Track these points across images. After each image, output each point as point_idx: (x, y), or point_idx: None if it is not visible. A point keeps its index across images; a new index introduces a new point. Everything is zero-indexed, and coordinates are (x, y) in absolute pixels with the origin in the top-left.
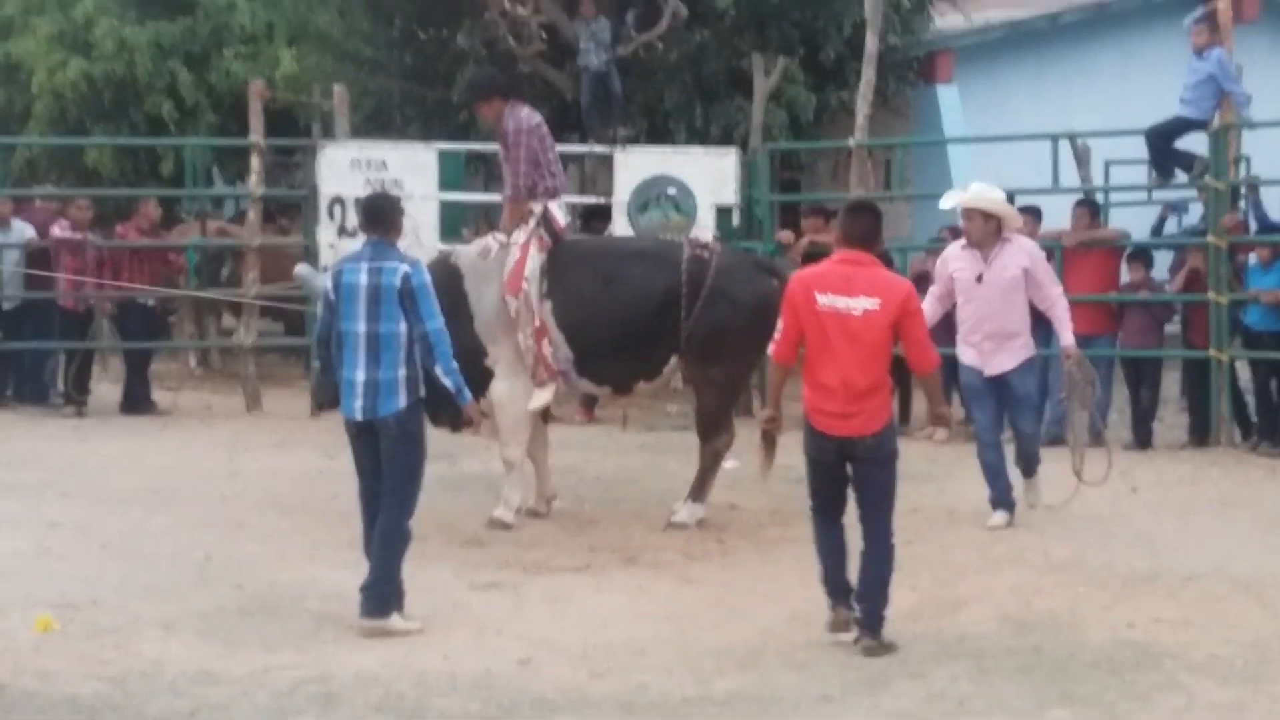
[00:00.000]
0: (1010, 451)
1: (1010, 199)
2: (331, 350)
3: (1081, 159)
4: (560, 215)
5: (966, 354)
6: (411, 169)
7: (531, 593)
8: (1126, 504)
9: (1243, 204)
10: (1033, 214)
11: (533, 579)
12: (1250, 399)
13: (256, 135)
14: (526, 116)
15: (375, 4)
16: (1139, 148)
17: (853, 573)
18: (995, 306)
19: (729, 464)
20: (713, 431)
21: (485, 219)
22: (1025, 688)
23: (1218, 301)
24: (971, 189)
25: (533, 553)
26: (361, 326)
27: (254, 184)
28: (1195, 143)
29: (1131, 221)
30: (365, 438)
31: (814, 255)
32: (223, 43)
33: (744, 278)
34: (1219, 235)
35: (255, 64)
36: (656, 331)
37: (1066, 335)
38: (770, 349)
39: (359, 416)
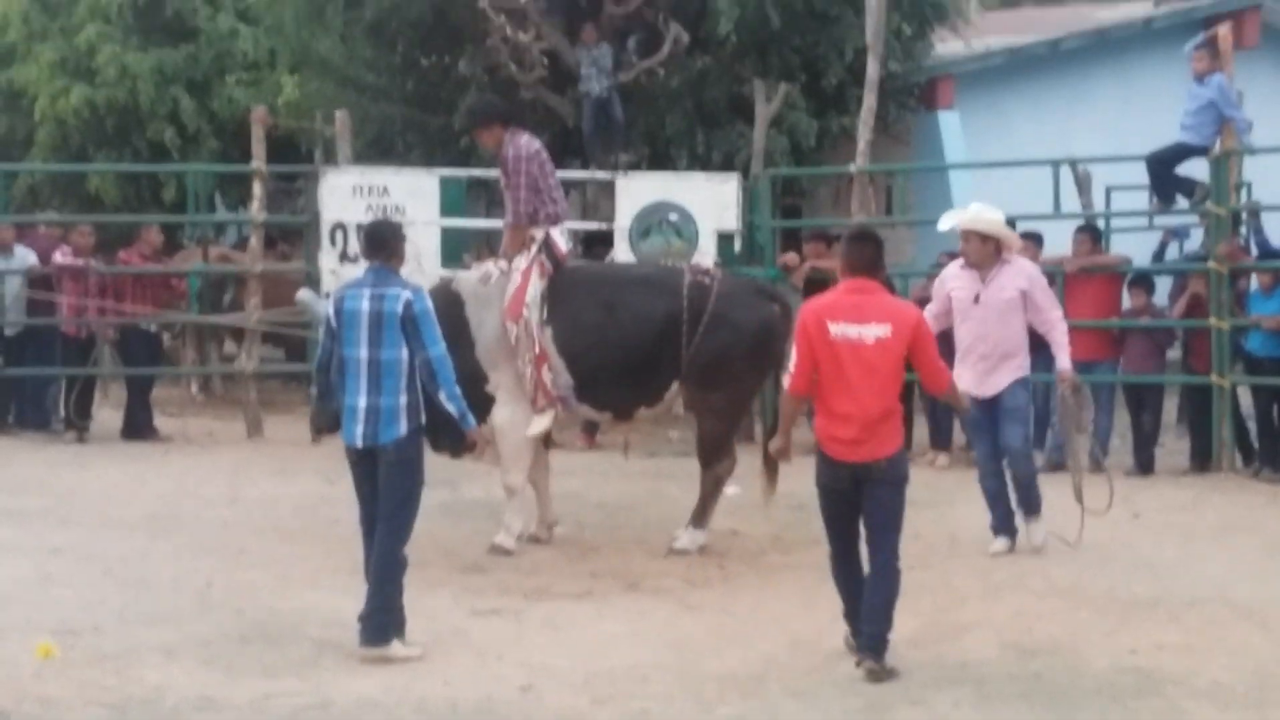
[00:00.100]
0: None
1: (1011, 224)
2: (331, 376)
3: (1082, 185)
4: (562, 241)
5: (963, 378)
6: (413, 195)
7: (533, 619)
8: (1128, 529)
9: (1244, 230)
10: (1034, 240)
11: (534, 605)
12: (1252, 424)
13: (259, 161)
14: (526, 143)
15: (377, 31)
16: (1140, 173)
17: None
18: (990, 327)
19: (730, 490)
20: (714, 457)
21: (487, 245)
22: (1027, 714)
23: (1219, 327)
24: (970, 210)
25: (534, 579)
26: (363, 352)
27: (256, 210)
28: (1196, 169)
29: (1133, 247)
30: (366, 464)
31: (816, 281)
32: (225, 69)
33: (745, 303)
34: (1219, 262)
35: (257, 91)
36: (657, 357)
37: (1063, 359)
38: (785, 382)
39: (360, 443)
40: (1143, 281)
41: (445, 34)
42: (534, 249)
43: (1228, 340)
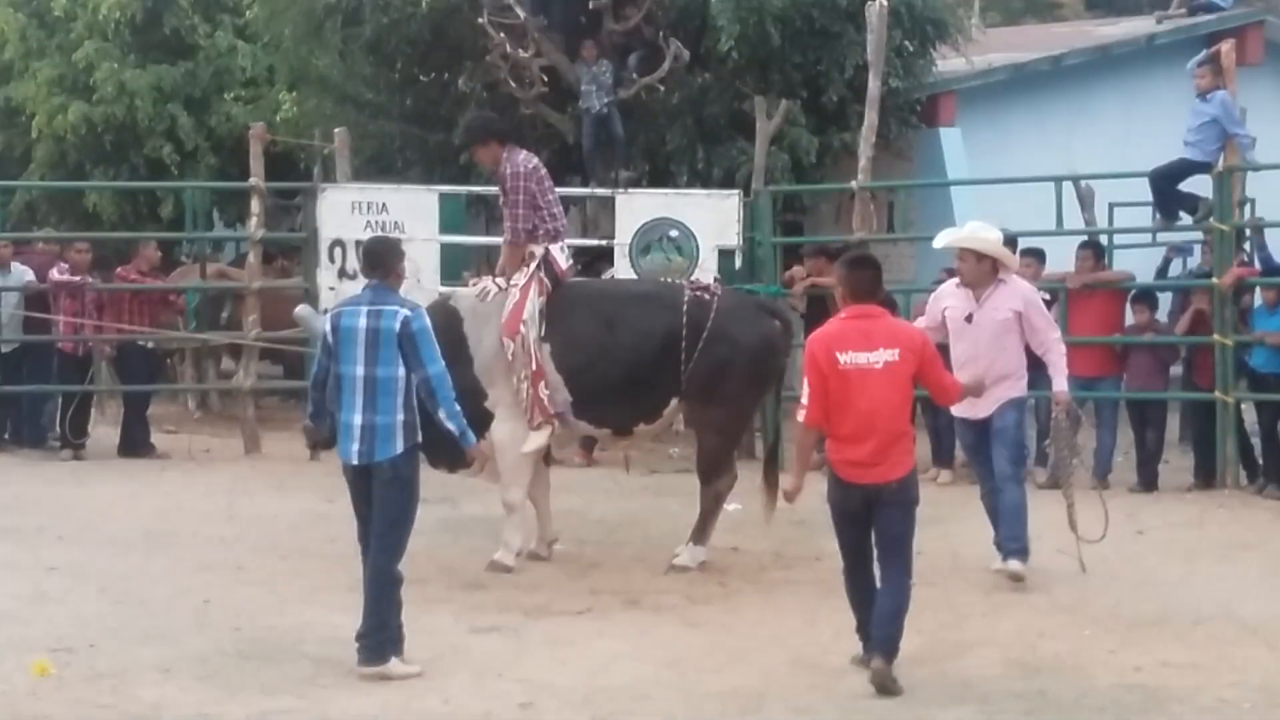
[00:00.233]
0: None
1: (1013, 242)
2: (327, 394)
3: (1085, 201)
4: (561, 258)
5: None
6: (412, 212)
7: (532, 636)
8: (1132, 547)
9: (1247, 246)
10: (1037, 256)
11: (534, 622)
12: (1256, 441)
13: (257, 178)
14: (523, 160)
15: (376, 48)
16: (1143, 190)
17: None
18: (983, 348)
19: (731, 507)
20: (714, 474)
21: (486, 261)
22: None
23: (1223, 344)
24: (966, 228)
25: (534, 596)
26: (359, 370)
27: (254, 227)
28: (1199, 185)
29: (1136, 264)
30: (362, 481)
31: (817, 298)
32: (223, 86)
33: (745, 320)
34: (1224, 287)
35: (256, 108)
36: (657, 374)
37: (1059, 381)
38: (800, 415)
39: (355, 460)
40: (1146, 298)
41: (444, 51)
42: (533, 265)
43: (1232, 356)
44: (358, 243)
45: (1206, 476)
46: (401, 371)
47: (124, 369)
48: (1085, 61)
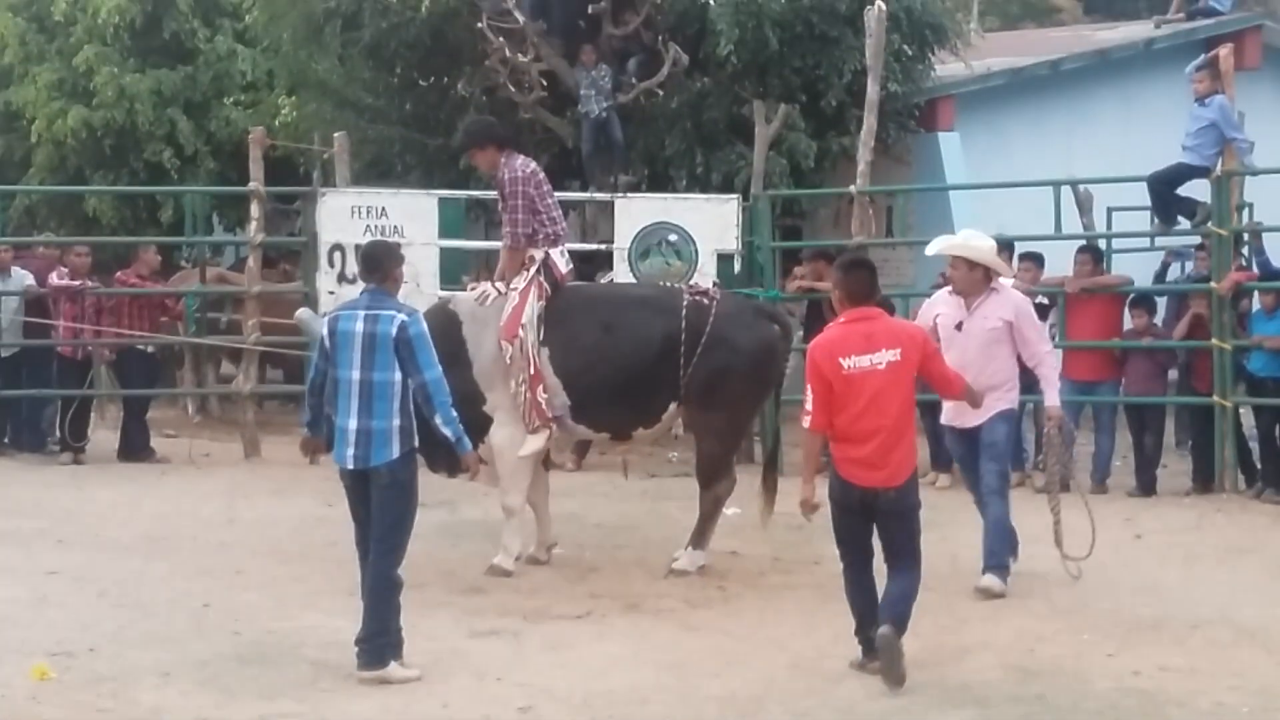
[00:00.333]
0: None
1: (1009, 248)
2: (324, 398)
3: (1084, 206)
4: (561, 262)
5: (946, 411)
6: (412, 216)
7: (532, 640)
8: (1131, 551)
9: (1245, 251)
10: (1035, 260)
11: (533, 626)
12: (1254, 445)
13: (256, 183)
14: (521, 165)
15: (375, 52)
16: (1141, 194)
17: None
18: (972, 357)
19: (730, 511)
20: (714, 478)
21: (486, 266)
22: None
23: (1221, 348)
24: (960, 235)
25: (533, 600)
26: (355, 374)
27: (254, 231)
28: (1197, 189)
29: (1134, 268)
30: (359, 486)
31: (813, 302)
32: (223, 91)
33: (744, 324)
34: (1220, 289)
35: (255, 112)
36: (656, 378)
37: (1051, 395)
38: (805, 421)
39: (351, 465)
40: (1144, 302)
41: (443, 55)
42: (533, 269)
43: (1230, 361)
44: (357, 247)
45: (1205, 481)
46: (398, 376)
47: (124, 373)
48: (1083, 66)
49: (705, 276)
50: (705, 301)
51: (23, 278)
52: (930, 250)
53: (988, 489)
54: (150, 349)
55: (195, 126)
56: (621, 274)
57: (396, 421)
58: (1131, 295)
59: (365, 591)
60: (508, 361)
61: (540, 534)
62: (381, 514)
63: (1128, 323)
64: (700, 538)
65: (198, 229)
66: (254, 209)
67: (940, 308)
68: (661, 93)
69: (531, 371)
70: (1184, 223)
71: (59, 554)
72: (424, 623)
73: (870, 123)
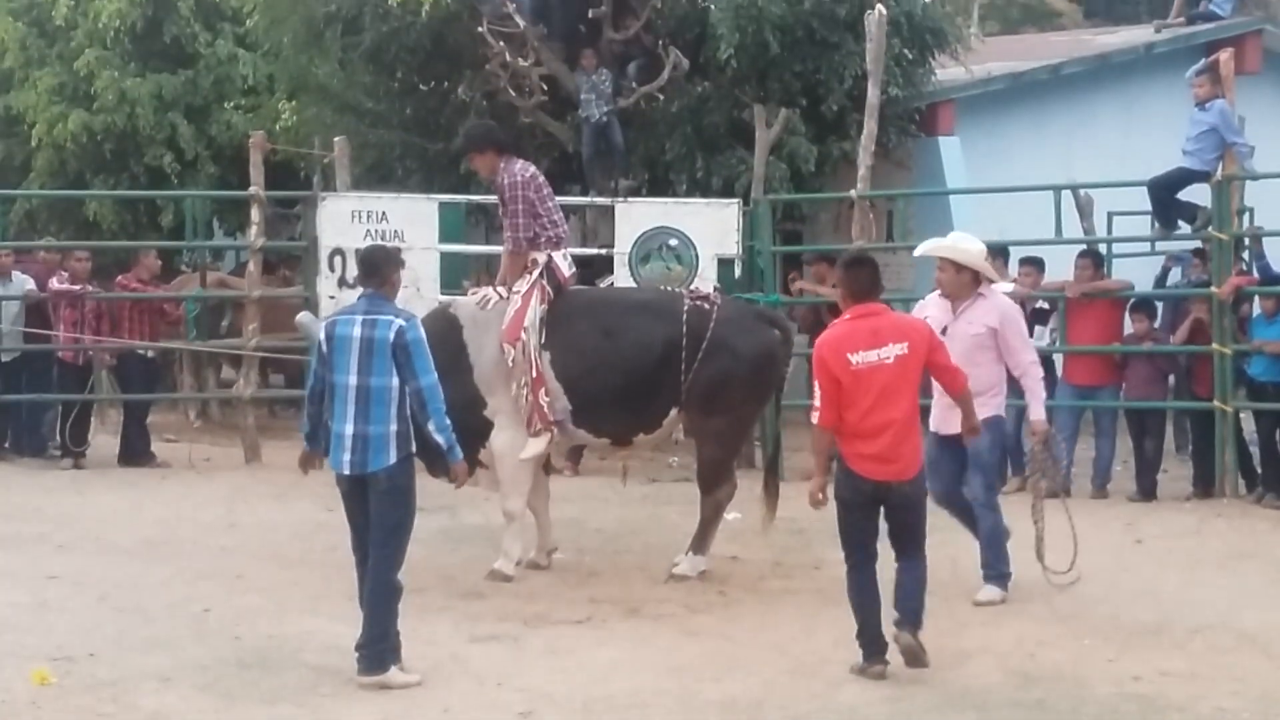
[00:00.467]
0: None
1: (1004, 252)
2: (323, 406)
3: (1084, 210)
4: (564, 266)
5: (934, 418)
6: (412, 221)
7: (532, 645)
8: (1131, 556)
9: (1245, 255)
10: (1035, 265)
11: (533, 631)
12: (1255, 450)
13: (257, 187)
14: (520, 170)
15: (376, 56)
16: (1142, 199)
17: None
18: (955, 361)
19: (731, 516)
20: (714, 483)
21: (486, 270)
22: None
23: (1222, 353)
24: (948, 237)
25: (533, 605)
26: (352, 379)
27: (254, 236)
28: (1198, 194)
29: (1135, 272)
30: (357, 491)
31: (812, 307)
32: (224, 95)
33: (745, 329)
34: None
35: (256, 116)
36: (657, 383)
37: (1036, 408)
38: (813, 417)
39: (348, 470)
40: (1145, 307)
41: (444, 60)
42: (535, 273)
43: (1230, 365)
44: (358, 251)
45: (1205, 486)
46: (395, 381)
47: (124, 378)
48: (1084, 70)
49: (706, 281)
50: (706, 306)
51: (23, 282)
52: (918, 252)
53: (976, 501)
54: (151, 354)
55: (196, 131)
56: (622, 279)
57: (394, 427)
58: (1132, 300)
59: (365, 597)
60: (510, 364)
61: (540, 539)
62: (380, 520)
63: (1128, 327)
64: (701, 543)
65: (198, 233)
66: (254, 213)
67: (930, 310)
68: (662, 97)
69: (534, 375)
70: (1184, 227)
71: (59, 559)
72: (424, 628)
73: (871, 127)
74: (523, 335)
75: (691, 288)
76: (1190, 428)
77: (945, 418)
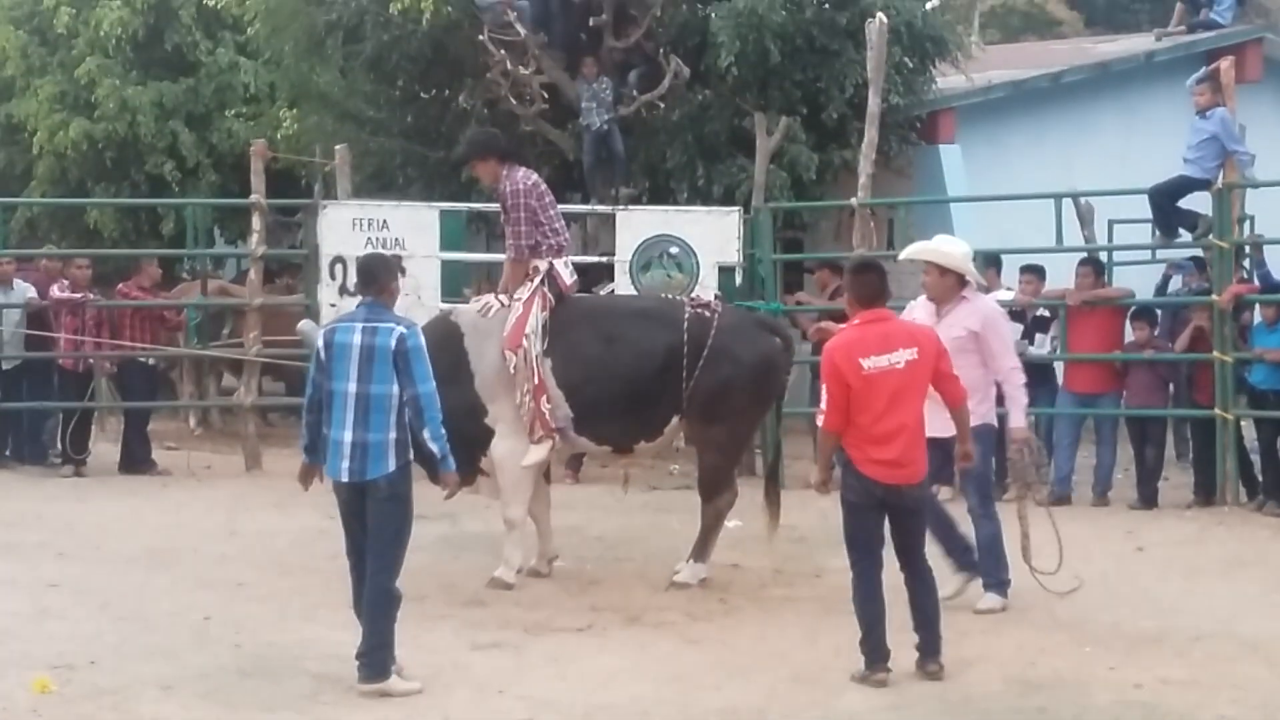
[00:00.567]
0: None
1: (995, 260)
2: (322, 416)
3: (1085, 218)
4: (565, 273)
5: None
6: (413, 229)
7: (533, 653)
8: (1132, 563)
9: (1246, 263)
10: (1036, 273)
11: (534, 639)
12: (1256, 458)
13: (258, 195)
14: (523, 177)
15: (377, 65)
16: (1142, 207)
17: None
18: None
19: (732, 523)
20: (715, 491)
21: (487, 278)
22: None
23: (1223, 360)
24: (932, 241)
25: (534, 613)
26: (352, 386)
27: (255, 244)
28: (1199, 202)
29: (1135, 280)
30: (354, 499)
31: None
32: (225, 103)
33: (746, 337)
34: (1221, 301)
35: (257, 124)
36: (658, 391)
37: (1016, 415)
38: (821, 421)
39: (346, 478)
40: (1146, 315)
41: (445, 68)
42: (537, 280)
43: (1231, 373)
44: (358, 259)
45: (1206, 493)
46: (395, 389)
47: (125, 385)
48: (1084, 79)
49: (706, 289)
50: (707, 314)
51: (24, 290)
52: (902, 255)
53: (972, 511)
54: (151, 361)
55: (197, 139)
56: (623, 286)
57: (393, 434)
58: (1133, 308)
59: (364, 606)
60: (511, 371)
61: (541, 547)
62: (379, 528)
63: (1129, 335)
64: (702, 550)
65: (199, 241)
66: (255, 221)
67: (917, 313)
68: (663, 105)
69: (535, 381)
70: (1185, 235)
71: (60, 566)
72: (425, 636)
73: (871, 135)
74: (524, 342)
75: (692, 296)
76: (1191, 435)
77: (934, 421)
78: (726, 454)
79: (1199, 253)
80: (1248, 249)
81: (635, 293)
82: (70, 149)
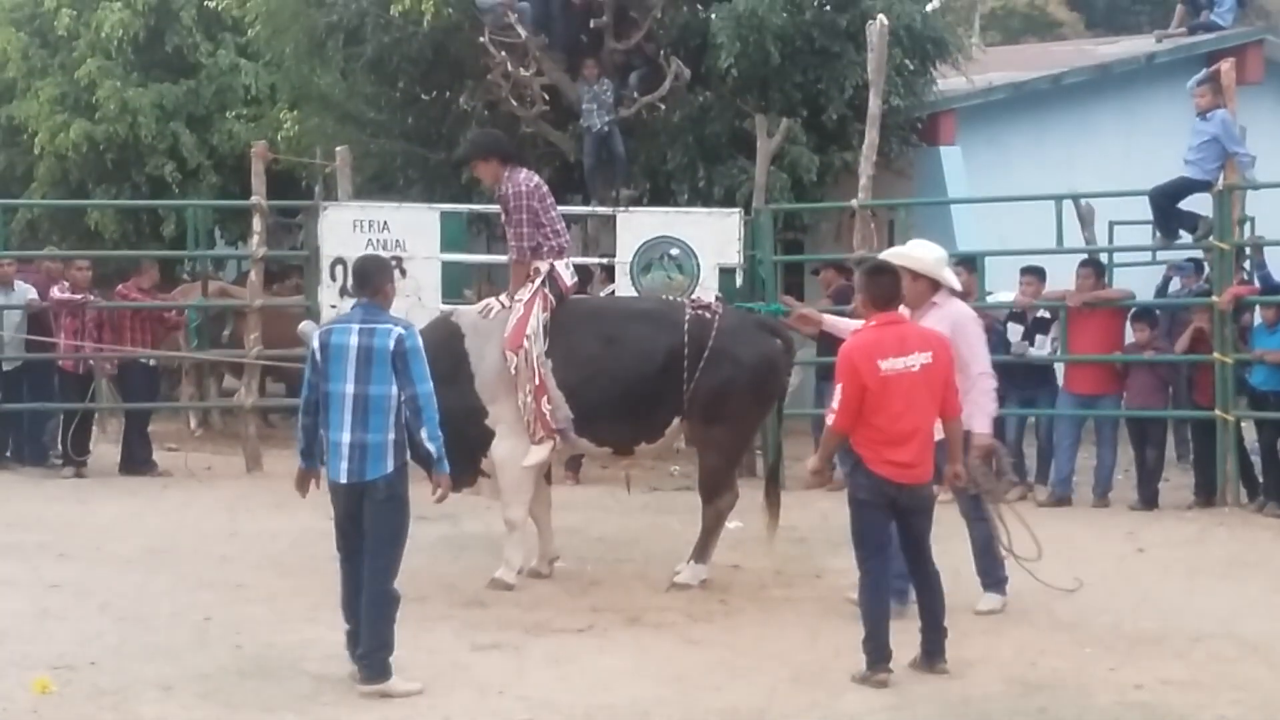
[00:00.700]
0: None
1: (968, 262)
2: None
3: (1085, 220)
4: (566, 274)
5: None
6: (413, 230)
7: (534, 654)
8: (1133, 564)
9: (1246, 265)
10: (1037, 275)
11: (535, 640)
12: (1256, 459)
13: (259, 197)
14: (524, 179)
15: (378, 66)
16: (1143, 208)
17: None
18: None
19: (732, 525)
20: (716, 492)
21: (488, 279)
22: None
23: (1223, 362)
24: (905, 245)
25: (535, 614)
26: (349, 388)
27: (256, 245)
28: (1199, 204)
29: (1136, 282)
30: (351, 500)
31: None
32: (225, 105)
33: (747, 338)
34: (1221, 303)
35: (258, 126)
36: (658, 393)
37: (980, 421)
38: (832, 420)
39: (344, 479)
40: (1146, 316)
41: (446, 69)
42: (538, 281)
43: (1231, 375)
44: (354, 261)
45: (1206, 494)
46: (393, 390)
47: (125, 386)
48: (1085, 80)
49: (707, 290)
50: (707, 316)
51: (25, 292)
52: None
53: (964, 515)
54: (152, 362)
55: (197, 140)
56: (623, 288)
57: (391, 435)
58: (1133, 309)
59: (364, 607)
60: (512, 371)
61: (542, 547)
62: (378, 528)
63: (1129, 336)
64: (702, 551)
65: (200, 243)
66: (256, 223)
67: None
68: (663, 107)
69: (536, 382)
70: (1186, 237)
71: (61, 567)
72: (425, 636)
73: (872, 137)
74: (525, 343)
75: (693, 297)
76: (1191, 437)
77: None
78: (727, 455)
79: (1199, 254)
80: (1248, 250)
81: (636, 294)
82: (71, 150)
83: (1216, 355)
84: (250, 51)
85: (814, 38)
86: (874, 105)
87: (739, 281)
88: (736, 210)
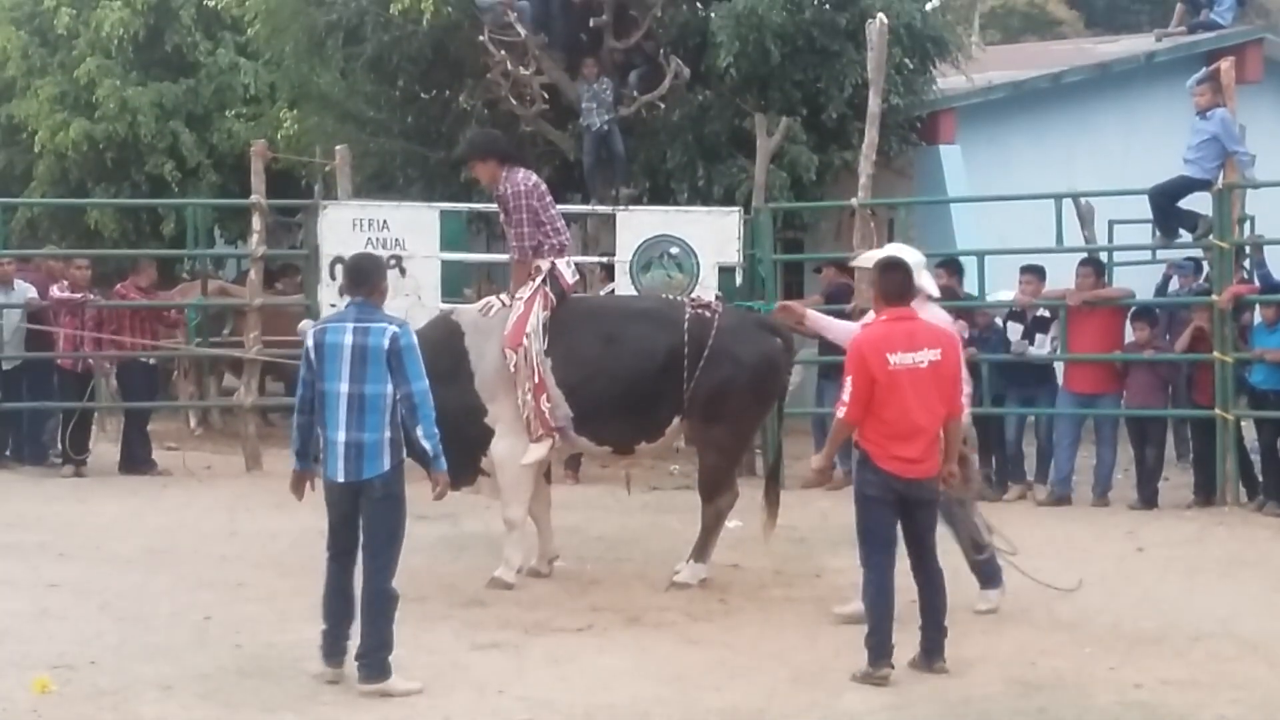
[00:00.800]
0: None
1: (952, 264)
2: (314, 418)
3: (1085, 219)
4: (567, 273)
5: None
6: (413, 229)
7: (533, 653)
8: (1133, 564)
9: (1246, 264)
10: (1037, 274)
11: (534, 639)
12: (1256, 458)
13: (258, 195)
14: (523, 179)
15: (377, 65)
16: (1142, 207)
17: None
18: None
19: (732, 524)
20: (716, 491)
21: (487, 278)
22: None
23: (1223, 361)
24: (884, 249)
25: (534, 613)
26: (345, 387)
27: (255, 244)
28: (1199, 203)
29: (1136, 281)
30: (347, 499)
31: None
32: (225, 104)
33: (747, 337)
34: (1221, 302)
35: (257, 125)
36: (658, 392)
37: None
38: (841, 412)
39: (341, 478)
40: (1146, 315)
41: (445, 68)
42: (538, 279)
43: (1231, 374)
44: (347, 259)
45: (1206, 494)
46: (389, 389)
47: (125, 385)
48: (1085, 79)
49: (707, 289)
50: (707, 315)
51: (25, 291)
52: (854, 264)
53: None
54: (151, 361)
55: (197, 139)
56: (623, 287)
57: (387, 434)
58: (1133, 308)
59: (363, 606)
60: (511, 369)
61: (542, 547)
62: (375, 527)
63: (1129, 336)
64: (702, 551)
65: (199, 242)
66: (255, 222)
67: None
68: (663, 106)
69: (535, 380)
70: (1185, 236)
71: (60, 567)
72: (425, 636)
73: (872, 136)
74: (525, 341)
75: (693, 296)
76: (1191, 436)
77: None
78: (727, 454)
79: (1199, 253)
80: (1248, 249)
81: (636, 293)
82: (71, 149)
83: (1216, 354)
84: (250, 50)
85: (814, 36)
86: (874, 104)
87: (739, 280)
88: (736, 209)
